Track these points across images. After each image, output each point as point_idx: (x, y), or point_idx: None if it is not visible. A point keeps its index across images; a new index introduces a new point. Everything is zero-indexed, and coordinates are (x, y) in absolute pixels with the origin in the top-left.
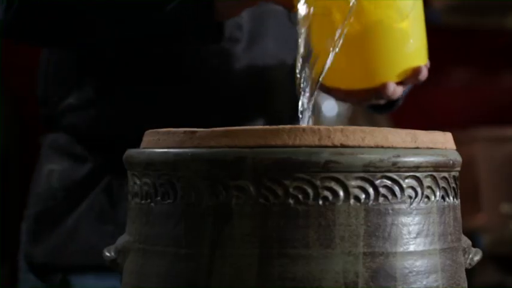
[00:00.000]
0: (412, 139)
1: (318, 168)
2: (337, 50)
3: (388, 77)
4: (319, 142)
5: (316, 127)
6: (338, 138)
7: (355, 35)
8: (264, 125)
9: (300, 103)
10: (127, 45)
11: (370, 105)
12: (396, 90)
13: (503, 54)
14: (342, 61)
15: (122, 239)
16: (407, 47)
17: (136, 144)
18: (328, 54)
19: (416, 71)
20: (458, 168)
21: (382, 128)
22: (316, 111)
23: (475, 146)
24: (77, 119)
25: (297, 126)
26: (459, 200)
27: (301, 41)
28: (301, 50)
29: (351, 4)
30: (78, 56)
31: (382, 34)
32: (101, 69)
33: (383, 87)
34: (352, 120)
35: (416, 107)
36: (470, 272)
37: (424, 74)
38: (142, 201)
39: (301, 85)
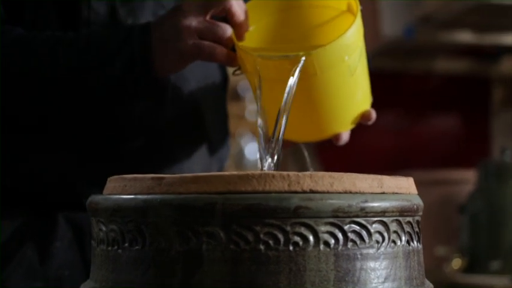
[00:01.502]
0: (378, 184)
1: (288, 214)
2: (287, 113)
3: (340, 128)
4: (289, 188)
5: (285, 173)
6: (307, 184)
7: (306, 92)
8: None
9: (258, 156)
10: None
11: None
12: (348, 137)
13: (432, 97)
14: (294, 116)
15: (87, 286)
16: (357, 97)
17: (61, 200)
18: (281, 116)
19: (366, 115)
20: (421, 213)
21: (349, 174)
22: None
23: None
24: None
25: (266, 172)
26: (421, 244)
27: (256, 102)
28: (258, 112)
29: (299, 68)
30: None
31: (333, 91)
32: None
33: (336, 138)
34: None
35: (346, 150)
36: None
37: (373, 116)
38: (109, 248)
39: (260, 140)
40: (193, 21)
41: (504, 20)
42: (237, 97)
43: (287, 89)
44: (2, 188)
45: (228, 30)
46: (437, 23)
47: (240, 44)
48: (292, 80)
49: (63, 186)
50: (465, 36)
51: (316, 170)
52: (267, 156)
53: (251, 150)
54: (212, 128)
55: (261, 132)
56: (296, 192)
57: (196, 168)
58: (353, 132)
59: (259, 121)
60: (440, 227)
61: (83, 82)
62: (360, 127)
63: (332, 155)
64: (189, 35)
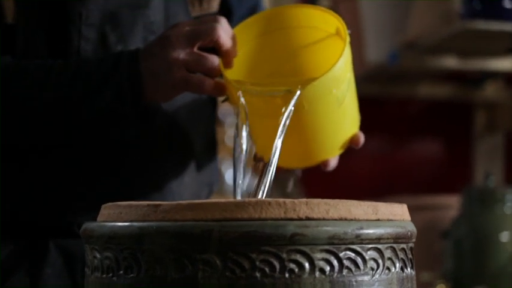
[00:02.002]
0: (373, 211)
1: (284, 241)
2: (279, 148)
3: (328, 155)
4: (285, 215)
5: (281, 200)
6: (303, 211)
7: (294, 123)
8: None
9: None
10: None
11: None
12: (336, 163)
13: (415, 122)
14: (282, 144)
15: None
16: (345, 124)
17: (51, 227)
18: (270, 150)
19: (354, 140)
20: (414, 240)
21: (345, 201)
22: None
23: None
24: None
25: (262, 199)
26: (415, 270)
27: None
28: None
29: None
30: None
31: (320, 122)
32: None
33: (324, 164)
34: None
35: (330, 175)
36: None
37: (362, 139)
38: (104, 275)
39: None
40: (181, 54)
41: (489, 45)
42: (217, 122)
43: (280, 128)
44: None
45: (215, 62)
46: (421, 48)
47: (228, 73)
48: (284, 118)
49: (53, 213)
50: (449, 62)
51: (299, 194)
52: (242, 184)
53: (231, 175)
54: (201, 154)
55: (240, 156)
56: (292, 219)
57: (186, 193)
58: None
59: (241, 146)
60: (424, 253)
61: (74, 110)
62: (345, 152)
63: (315, 180)
64: (177, 68)
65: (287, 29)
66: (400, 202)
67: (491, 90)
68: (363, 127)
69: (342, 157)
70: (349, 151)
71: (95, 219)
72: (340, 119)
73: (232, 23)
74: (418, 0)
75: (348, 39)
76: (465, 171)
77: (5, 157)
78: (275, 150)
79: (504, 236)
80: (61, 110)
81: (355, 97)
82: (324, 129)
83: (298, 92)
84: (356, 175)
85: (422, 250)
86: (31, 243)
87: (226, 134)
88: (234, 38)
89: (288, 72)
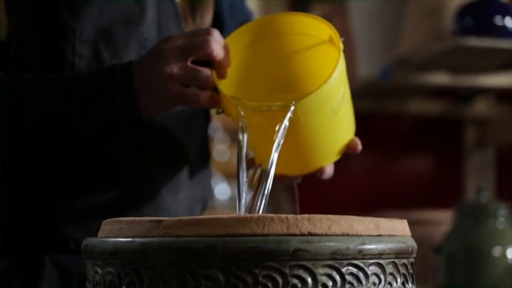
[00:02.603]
0: (375, 227)
1: (287, 257)
2: (275, 162)
3: (325, 162)
4: (288, 230)
5: (283, 216)
6: (306, 227)
7: (289, 134)
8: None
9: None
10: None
11: None
12: (332, 170)
13: (406, 137)
14: (279, 153)
15: None
16: (341, 132)
17: (47, 242)
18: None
19: (352, 145)
20: (415, 255)
21: (347, 216)
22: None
23: None
24: None
25: (265, 215)
26: (415, 286)
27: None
28: (242, 155)
29: (284, 122)
30: None
31: (316, 132)
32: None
33: (320, 172)
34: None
35: (321, 190)
36: None
37: (359, 145)
38: None
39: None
40: (174, 68)
41: (480, 61)
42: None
43: (275, 143)
44: None
45: (209, 78)
46: (413, 64)
47: (222, 82)
48: (279, 133)
49: (48, 227)
50: (440, 78)
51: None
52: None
53: (221, 190)
54: (195, 168)
55: (243, 171)
56: (295, 234)
57: (181, 208)
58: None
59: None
60: (417, 267)
61: (69, 123)
62: (336, 168)
63: (306, 195)
64: (172, 83)
65: (279, 36)
66: (392, 217)
67: (481, 106)
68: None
69: (334, 171)
70: (343, 163)
71: (90, 234)
72: (335, 128)
73: (225, 37)
74: (410, 16)
75: (341, 46)
76: (456, 186)
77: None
78: (271, 164)
79: (497, 251)
80: (56, 122)
81: (350, 104)
82: (319, 139)
83: (292, 108)
84: (347, 190)
85: (416, 265)
86: (26, 257)
87: (215, 149)
88: (226, 49)
89: (281, 78)
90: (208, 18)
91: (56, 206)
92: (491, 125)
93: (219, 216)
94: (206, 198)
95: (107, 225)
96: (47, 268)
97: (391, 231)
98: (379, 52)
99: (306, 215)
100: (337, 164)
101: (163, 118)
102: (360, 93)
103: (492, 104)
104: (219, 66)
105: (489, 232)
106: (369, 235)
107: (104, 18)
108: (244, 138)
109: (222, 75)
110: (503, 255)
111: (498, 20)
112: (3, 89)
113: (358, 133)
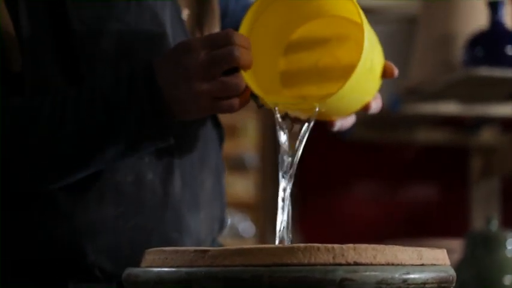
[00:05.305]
0: (418, 256)
1: (334, 286)
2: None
3: (369, 99)
4: (334, 260)
5: (330, 246)
6: (351, 256)
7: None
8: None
9: (280, 189)
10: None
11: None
12: (378, 104)
13: (413, 167)
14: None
15: None
16: (376, 74)
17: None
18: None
19: (388, 70)
20: (454, 284)
21: (390, 246)
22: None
23: None
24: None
25: (311, 244)
26: None
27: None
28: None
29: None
30: None
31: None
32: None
33: (365, 108)
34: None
35: (330, 219)
36: None
37: (396, 71)
38: None
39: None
40: (205, 85)
41: (490, 91)
42: None
43: (297, 143)
44: (12, 259)
45: (240, 85)
46: (423, 95)
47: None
48: (303, 135)
49: (74, 256)
50: (449, 108)
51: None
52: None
53: (245, 228)
54: (213, 186)
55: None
56: (341, 264)
57: (202, 229)
58: (335, 201)
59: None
60: None
61: (97, 139)
62: (341, 197)
63: (314, 224)
64: (203, 100)
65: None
66: (407, 245)
67: (487, 136)
68: (362, 171)
69: (340, 202)
70: (346, 197)
71: (116, 261)
72: (372, 81)
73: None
74: (419, 46)
75: (365, 20)
76: (462, 214)
77: (23, 198)
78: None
79: (507, 279)
80: (85, 141)
81: (379, 48)
82: (356, 94)
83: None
84: (355, 219)
85: None
86: (51, 286)
87: None
88: (249, 45)
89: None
90: (216, 30)
91: (82, 234)
92: (497, 154)
93: (265, 245)
94: (223, 217)
95: (150, 255)
96: None
97: (433, 261)
98: (389, 82)
99: (351, 245)
100: (340, 194)
101: (181, 135)
102: (369, 122)
103: (498, 133)
104: (246, 68)
105: (500, 261)
106: (412, 264)
107: (125, 37)
108: (284, 139)
109: (247, 67)
110: None
111: (509, 49)
112: (23, 118)
113: (365, 162)
